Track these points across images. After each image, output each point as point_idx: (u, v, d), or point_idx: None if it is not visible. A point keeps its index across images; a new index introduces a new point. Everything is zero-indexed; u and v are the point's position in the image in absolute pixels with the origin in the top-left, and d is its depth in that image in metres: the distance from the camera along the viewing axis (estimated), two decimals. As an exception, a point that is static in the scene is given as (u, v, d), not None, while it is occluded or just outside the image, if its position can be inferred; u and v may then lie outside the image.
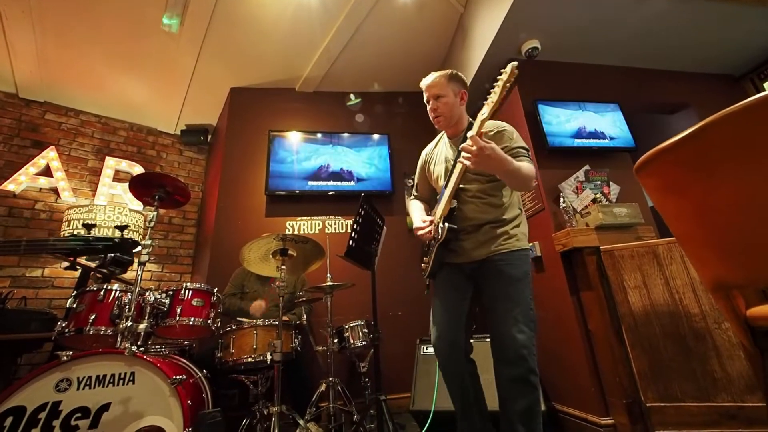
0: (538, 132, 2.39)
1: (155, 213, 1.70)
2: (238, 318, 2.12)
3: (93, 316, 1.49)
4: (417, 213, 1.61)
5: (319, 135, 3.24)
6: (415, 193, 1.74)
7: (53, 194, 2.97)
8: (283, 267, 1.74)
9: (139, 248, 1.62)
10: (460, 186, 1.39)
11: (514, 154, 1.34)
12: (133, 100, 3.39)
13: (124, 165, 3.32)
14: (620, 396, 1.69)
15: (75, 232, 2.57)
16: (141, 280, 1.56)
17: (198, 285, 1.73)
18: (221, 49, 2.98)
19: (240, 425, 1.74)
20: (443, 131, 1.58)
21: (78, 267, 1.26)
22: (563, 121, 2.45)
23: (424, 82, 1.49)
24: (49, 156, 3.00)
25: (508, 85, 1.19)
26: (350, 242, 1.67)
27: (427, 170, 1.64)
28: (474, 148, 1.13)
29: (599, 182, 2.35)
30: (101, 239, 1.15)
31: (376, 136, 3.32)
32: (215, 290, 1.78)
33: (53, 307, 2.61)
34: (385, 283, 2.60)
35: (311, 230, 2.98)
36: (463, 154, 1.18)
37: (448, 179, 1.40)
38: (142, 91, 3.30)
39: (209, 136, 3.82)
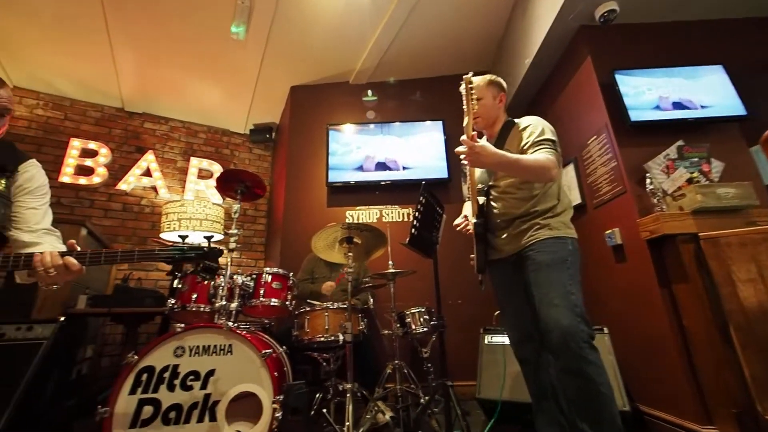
0: (616, 106, 2.15)
1: (239, 205, 1.93)
2: (309, 300, 2.32)
3: (195, 296, 1.77)
4: (464, 210, 1.70)
5: (371, 126, 3.33)
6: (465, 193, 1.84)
7: (153, 191, 3.47)
8: (350, 254, 1.87)
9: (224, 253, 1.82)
10: (491, 183, 1.51)
11: (536, 144, 1.38)
12: (209, 105, 3.77)
13: (205, 164, 3.74)
14: (727, 404, 1.50)
15: (174, 231, 2.99)
16: (230, 265, 1.79)
17: (276, 270, 1.94)
18: (281, 50, 3.18)
19: (313, 398, 1.93)
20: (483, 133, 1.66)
21: (178, 273, 1.46)
22: (645, 92, 2.18)
23: (475, 82, 1.57)
24: (149, 159, 3.49)
25: (473, 96, 1.39)
26: (412, 230, 1.74)
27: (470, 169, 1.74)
28: (466, 149, 1.26)
29: (696, 159, 2.00)
30: (194, 248, 1.33)
31: (428, 123, 3.31)
32: (291, 274, 1.98)
33: (159, 287, 3.08)
34: (443, 271, 2.63)
35: (369, 219, 3.11)
36: (461, 156, 1.30)
37: (469, 179, 1.50)
38: (216, 97, 3.66)
39: (273, 134, 4.12)
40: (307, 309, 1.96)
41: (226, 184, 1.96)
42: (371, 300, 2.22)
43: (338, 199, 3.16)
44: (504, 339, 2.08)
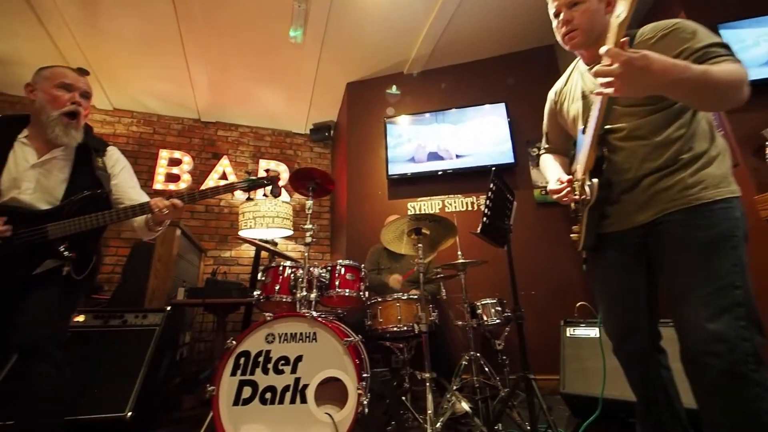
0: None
1: (311, 201, 2.03)
2: (376, 291, 2.38)
3: (277, 287, 1.89)
4: (552, 170, 1.30)
5: (426, 115, 3.27)
6: (546, 146, 1.42)
7: (229, 193, 3.78)
8: (419, 245, 1.88)
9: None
10: (606, 127, 1.05)
11: (702, 56, 0.90)
12: (273, 109, 3.99)
13: (272, 165, 3.98)
14: None
15: (250, 228, 3.24)
16: (308, 258, 1.89)
17: (348, 262, 2.01)
18: (336, 48, 3.25)
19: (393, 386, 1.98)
20: (577, 59, 1.21)
21: (252, 198, 1.66)
22: (753, 45, 1.87)
23: None
24: (224, 163, 3.81)
25: None
26: (484, 219, 1.69)
27: (560, 113, 1.31)
28: (614, 66, 0.78)
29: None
30: (261, 178, 1.62)
31: (487, 107, 3.17)
32: (362, 266, 2.04)
33: (241, 280, 3.37)
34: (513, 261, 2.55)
35: (432, 210, 3.08)
36: (599, 80, 0.83)
37: (586, 120, 1.08)
38: (279, 101, 3.86)
39: (332, 131, 4.25)
40: (379, 299, 2.01)
41: (298, 182, 2.07)
42: (443, 291, 2.21)
43: (399, 191, 3.18)
44: (588, 332, 1.95)
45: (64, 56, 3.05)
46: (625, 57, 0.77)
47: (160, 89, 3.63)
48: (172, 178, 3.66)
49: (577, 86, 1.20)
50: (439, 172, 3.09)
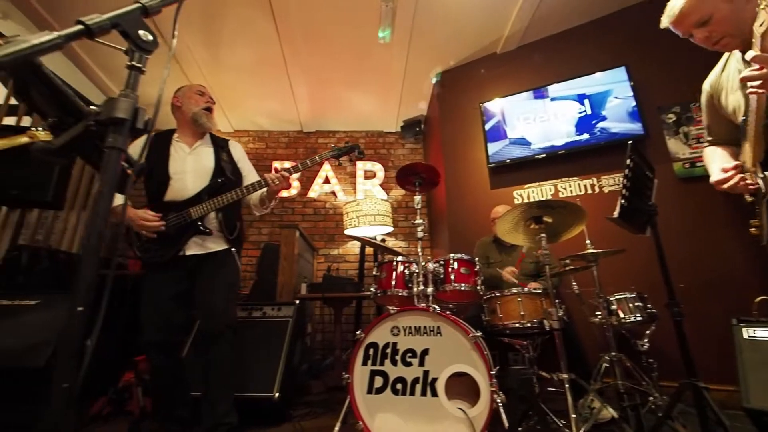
0: None
1: (419, 197, 2.03)
2: (489, 285, 2.27)
3: (393, 281, 1.94)
4: (715, 161, 1.26)
5: (526, 94, 3.00)
6: (709, 139, 1.39)
7: (333, 195, 4.07)
8: (542, 235, 1.73)
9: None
10: None
11: None
12: (365, 112, 4.15)
13: (369, 165, 4.15)
14: None
15: (354, 228, 3.42)
16: (421, 254, 1.90)
17: (461, 255, 1.96)
18: (424, 41, 3.20)
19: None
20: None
21: (340, 163, 1.92)
22: None
23: (672, 14, 1.10)
24: (326, 168, 4.11)
25: None
26: (622, 201, 1.47)
27: (718, 104, 1.27)
28: (764, 71, 0.84)
29: None
30: (345, 146, 1.93)
31: (598, 75, 2.77)
32: (476, 259, 1.97)
33: (350, 276, 3.60)
34: (651, 248, 2.17)
35: (542, 196, 2.83)
36: (748, 84, 0.88)
37: (747, 111, 1.04)
38: (370, 103, 3.99)
39: (422, 126, 4.23)
40: (497, 294, 1.91)
41: (404, 178, 2.09)
42: (574, 285, 2.01)
43: (502, 179, 3.00)
44: (776, 333, 1.55)
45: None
46: None
47: (269, 108, 4.07)
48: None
49: (733, 76, 1.17)
50: (547, 155, 2.82)
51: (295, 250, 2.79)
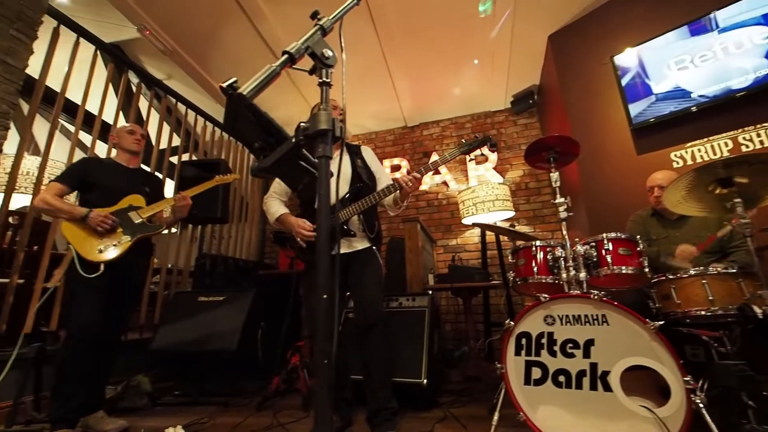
0: None
1: (557, 174, 1.84)
2: (655, 267, 1.92)
3: (535, 268, 1.81)
4: None
5: (679, 30, 2.42)
6: None
7: (444, 186, 4.04)
8: (737, 200, 1.38)
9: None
10: None
11: None
12: (469, 94, 3.98)
13: (477, 150, 3.96)
14: None
15: (472, 216, 3.34)
16: (567, 236, 1.72)
17: (617, 234, 1.71)
18: (530, 1, 2.89)
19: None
20: None
21: (472, 158, 1.88)
22: None
23: None
24: (434, 158, 4.08)
25: None
26: None
27: None
28: None
29: None
30: (474, 140, 1.97)
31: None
32: (638, 238, 1.69)
33: (471, 265, 3.52)
34: None
35: (712, 155, 2.28)
36: None
37: None
38: (474, 84, 3.81)
39: (535, 97, 3.85)
40: (670, 277, 1.61)
41: (535, 155, 1.93)
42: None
43: (652, 141, 2.51)
44: None
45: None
46: None
47: (374, 109, 4.25)
48: (396, 182, 4.21)
49: None
50: (716, 103, 2.24)
51: (419, 243, 2.85)
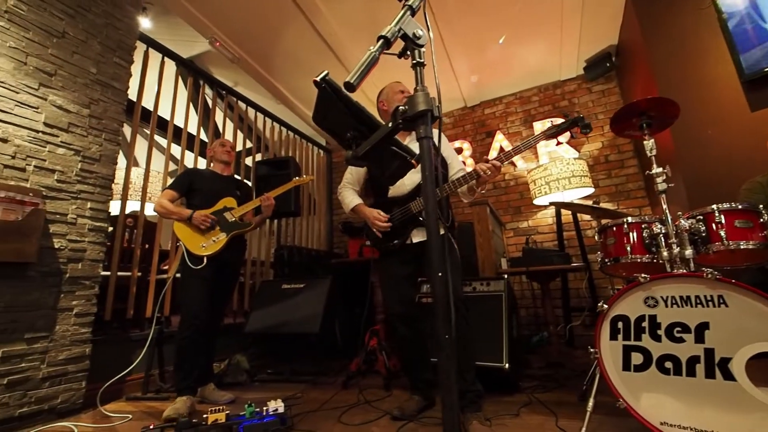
0: None
1: (651, 141, 1.65)
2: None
3: (629, 247, 1.65)
4: None
5: None
6: None
7: (512, 165, 3.85)
8: None
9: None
10: None
11: None
12: (534, 65, 3.70)
13: (548, 123, 3.70)
14: None
15: (545, 195, 3.14)
16: (668, 210, 1.54)
17: (732, 205, 1.49)
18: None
19: None
20: None
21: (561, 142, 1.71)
22: None
23: None
24: (498, 138, 3.91)
25: None
26: None
27: None
28: None
29: None
30: (563, 122, 1.81)
31: None
32: (761, 207, 1.46)
33: (544, 247, 3.33)
34: None
35: None
36: None
37: None
38: (539, 53, 3.53)
39: (613, 59, 3.46)
40: (808, 250, 1.37)
41: (624, 123, 1.74)
42: None
43: (771, 93, 2.12)
44: None
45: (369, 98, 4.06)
46: None
47: (432, 93, 4.15)
48: (458, 165, 4.12)
49: None
50: None
51: (489, 227, 2.77)
